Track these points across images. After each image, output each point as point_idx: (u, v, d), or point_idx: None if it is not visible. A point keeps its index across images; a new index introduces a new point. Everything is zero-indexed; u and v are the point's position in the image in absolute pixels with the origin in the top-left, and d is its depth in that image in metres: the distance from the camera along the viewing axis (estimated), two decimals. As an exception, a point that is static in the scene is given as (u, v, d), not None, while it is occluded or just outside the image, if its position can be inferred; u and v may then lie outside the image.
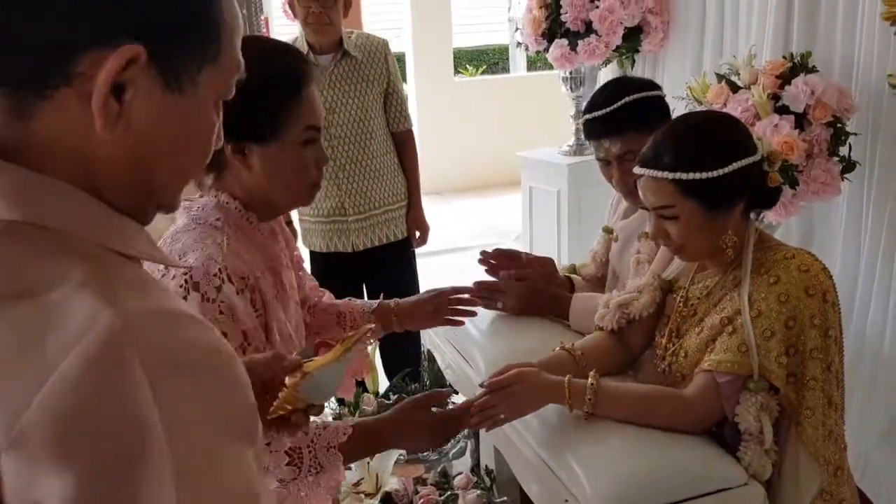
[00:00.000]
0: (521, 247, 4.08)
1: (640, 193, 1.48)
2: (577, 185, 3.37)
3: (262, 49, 1.21)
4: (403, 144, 2.92)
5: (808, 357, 1.37)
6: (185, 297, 1.11)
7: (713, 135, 1.43)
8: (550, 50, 3.18)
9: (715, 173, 1.37)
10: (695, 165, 1.37)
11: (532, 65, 9.76)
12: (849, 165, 2.38)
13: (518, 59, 8.32)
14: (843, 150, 2.36)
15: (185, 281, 1.12)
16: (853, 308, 2.56)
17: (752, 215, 1.52)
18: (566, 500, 1.34)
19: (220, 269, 1.15)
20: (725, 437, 1.43)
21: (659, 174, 1.41)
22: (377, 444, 1.38)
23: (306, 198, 1.31)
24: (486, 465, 1.78)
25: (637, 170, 1.47)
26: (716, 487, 1.34)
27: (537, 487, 1.48)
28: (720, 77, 2.50)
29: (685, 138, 1.42)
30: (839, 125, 2.34)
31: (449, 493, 1.73)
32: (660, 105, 1.91)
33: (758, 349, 1.36)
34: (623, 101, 1.82)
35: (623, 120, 1.82)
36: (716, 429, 1.45)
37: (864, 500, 1.60)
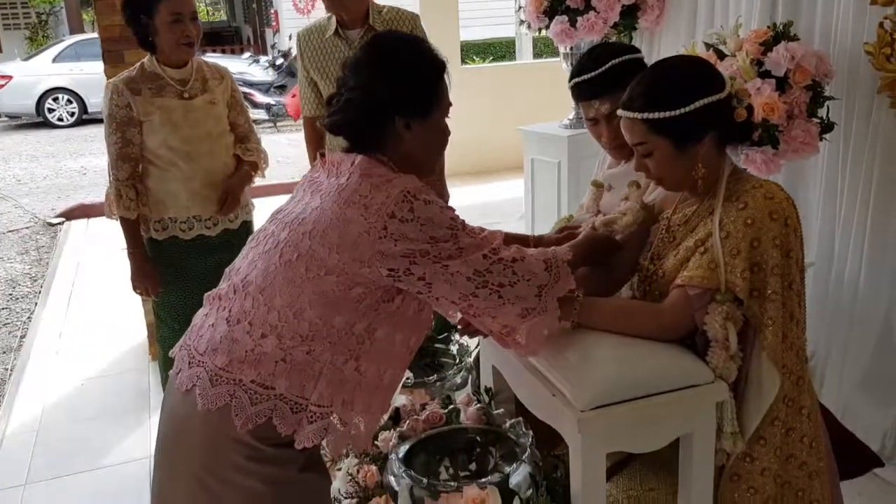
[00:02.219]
0: (524, 224, 4.26)
1: (623, 133, 1.66)
2: (577, 156, 3.55)
3: (416, 41, 1.54)
4: None
5: (769, 273, 1.54)
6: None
7: (679, 77, 1.61)
8: (551, 26, 3.37)
9: (678, 111, 1.54)
10: (661, 105, 1.55)
11: (538, 55, 9.93)
12: (827, 126, 2.55)
13: (525, 48, 8.48)
14: (822, 113, 2.54)
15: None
16: (832, 259, 2.73)
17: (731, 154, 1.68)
18: (553, 395, 1.53)
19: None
20: (697, 347, 1.61)
21: (631, 115, 1.59)
22: (580, 254, 1.66)
23: (438, 163, 1.66)
24: (485, 385, 1.96)
25: (618, 112, 1.65)
26: (685, 384, 1.52)
27: (529, 390, 1.66)
28: (708, 46, 2.67)
29: (654, 81, 1.61)
30: (818, 89, 2.51)
31: (452, 406, 1.91)
32: (641, 67, 2.08)
33: (725, 266, 1.53)
34: (610, 63, 1.97)
35: (611, 81, 1.98)
36: (689, 340, 1.62)
37: (824, 412, 1.76)
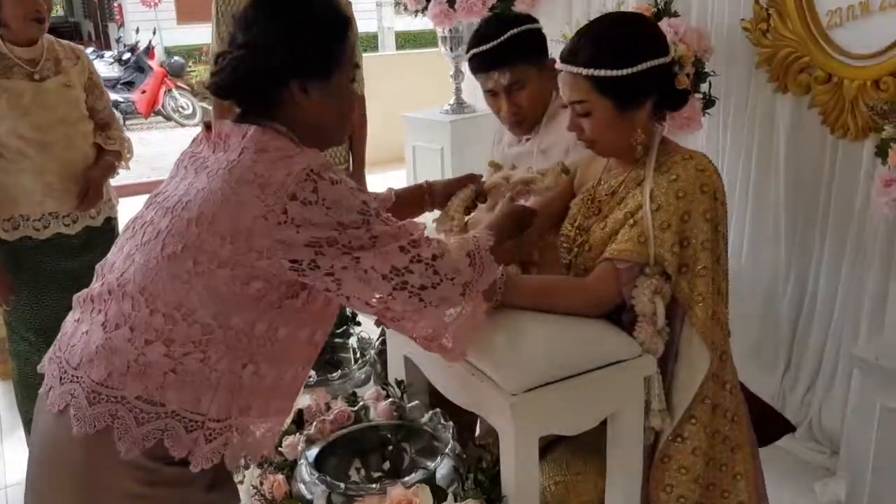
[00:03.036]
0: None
1: (560, 87, 1.57)
2: (460, 142, 3.48)
3: None
4: None
5: (699, 248, 1.49)
6: None
7: (629, 35, 1.52)
8: (429, 8, 3.27)
9: (627, 71, 1.46)
10: (609, 63, 1.46)
11: (400, 47, 9.87)
12: (709, 101, 2.60)
13: (387, 41, 8.39)
14: (703, 88, 2.58)
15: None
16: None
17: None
18: (481, 381, 1.42)
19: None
20: (623, 323, 1.55)
21: (575, 70, 1.49)
22: (503, 236, 1.50)
23: (346, 132, 1.43)
24: (395, 378, 1.84)
25: (558, 64, 1.55)
26: (613, 360, 1.46)
27: (450, 379, 1.56)
28: (592, 23, 2.66)
29: (603, 37, 1.51)
30: (699, 65, 2.55)
31: (361, 404, 1.77)
32: (540, 37, 2.02)
33: (655, 239, 1.48)
34: (509, 33, 1.90)
35: (510, 51, 1.91)
36: (615, 316, 1.57)
37: (739, 384, 1.76)
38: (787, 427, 1.83)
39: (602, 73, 1.46)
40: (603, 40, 1.49)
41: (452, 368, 1.50)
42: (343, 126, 1.39)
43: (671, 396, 1.53)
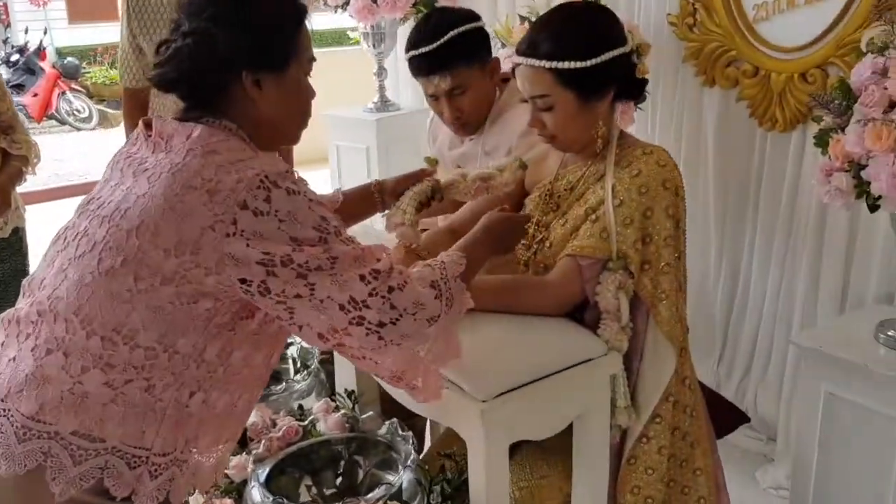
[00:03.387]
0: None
1: (518, 82, 1.50)
2: (386, 141, 3.40)
3: None
4: None
5: (662, 244, 1.47)
6: None
7: (590, 25, 1.48)
8: (351, 3, 3.17)
9: (590, 62, 1.42)
10: (571, 54, 1.42)
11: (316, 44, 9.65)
12: (639, 96, 2.61)
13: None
14: (634, 83, 2.58)
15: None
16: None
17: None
18: (447, 388, 1.35)
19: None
20: (586, 322, 1.51)
21: (537, 63, 1.44)
22: (482, 256, 1.39)
23: (304, 129, 1.31)
24: (346, 388, 1.75)
25: (515, 58, 1.49)
26: (580, 359, 1.42)
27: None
28: (523, 18, 2.63)
29: (562, 28, 1.47)
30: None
31: (311, 418, 1.68)
32: (483, 35, 1.95)
33: (617, 235, 1.44)
34: (449, 35, 1.81)
35: (451, 55, 1.82)
36: (577, 315, 1.53)
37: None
38: (742, 418, 1.84)
39: (566, 65, 1.42)
40: (564, 31, 1.45)
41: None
42: (298, 125, 1.29)
43: (637, 395, 1.51)
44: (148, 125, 1.21)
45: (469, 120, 1.93)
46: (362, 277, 1.10)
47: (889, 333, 1.82)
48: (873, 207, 1.68)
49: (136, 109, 2.67)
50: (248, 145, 1.17)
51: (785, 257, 2.45)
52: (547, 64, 1.43)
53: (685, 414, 1.57)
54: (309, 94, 1.28)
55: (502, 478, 1.36)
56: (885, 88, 1.64)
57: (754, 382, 2.61)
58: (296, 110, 1.27)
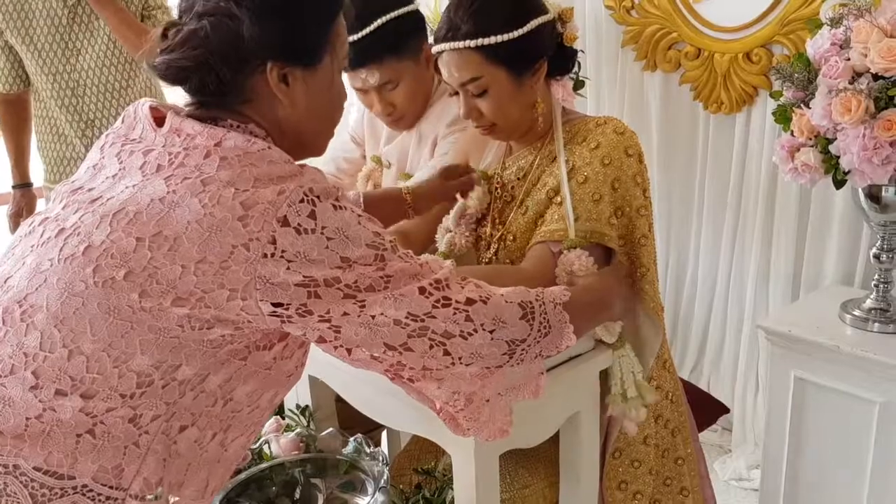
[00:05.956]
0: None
1: (443, 70, 1.38)
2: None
3: None
4: None
5: (635, 216, 1.37)
6: None
7: None
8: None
9: (516, 33, 1.31)
10: (495, 29, 1.31)
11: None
12: (578, 83, 2.52)
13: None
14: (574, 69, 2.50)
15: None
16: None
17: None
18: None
19: None
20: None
21: (461, 45, 1.32)
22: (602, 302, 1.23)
23: (330, 139, 1.12)
24: (299, 404, 1.57)
25: (436, 47, 1.36)
26: (567, 356, 1.30)
27: (384, 400, 1.32)
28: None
29: (481, 4, 1.34)
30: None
31: (260, 440, 1.49)
32: (417, 22, 1.76)
33: (589, 213, 1.33)
34: (376, 23, 1.60)
35: (379, 46, 1.62)
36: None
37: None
38: (721, 409, 1.76)
39: (492, 39, 1.30)
40: (483, 6, 1.33)
41: (388, 386, 1.27)
42: (325, 133, 1.09)
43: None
44: (155, 108, 1.00)
45: (404, 114, 1.76)
46: (422, 290, 0.94)
47: (855, 313, 1.77)
48: (840, 183, 1.63)
49: (9, 117, 2.45)
50: (289, 160, 0.96)
51: (734, 241, 2.41)
52: (472, 43, 1.31)
53: (667, 399, 1.48)
54: (341, 97, 1.09)
55: (493, 491, 1.23)
56: (848, 59, 1.59)
57: (706, 372, 2.57)
58: (325, 114, 1.07)
